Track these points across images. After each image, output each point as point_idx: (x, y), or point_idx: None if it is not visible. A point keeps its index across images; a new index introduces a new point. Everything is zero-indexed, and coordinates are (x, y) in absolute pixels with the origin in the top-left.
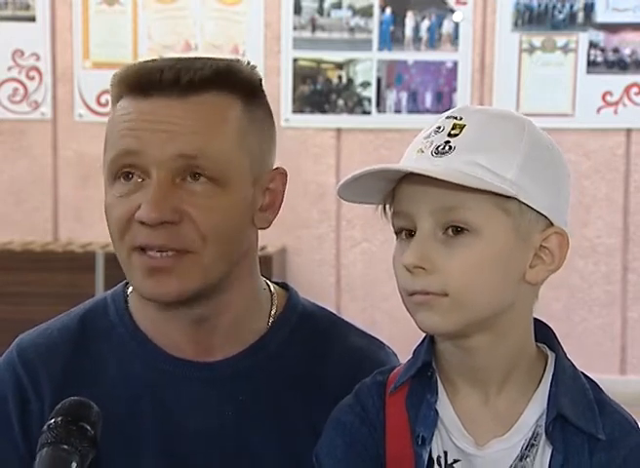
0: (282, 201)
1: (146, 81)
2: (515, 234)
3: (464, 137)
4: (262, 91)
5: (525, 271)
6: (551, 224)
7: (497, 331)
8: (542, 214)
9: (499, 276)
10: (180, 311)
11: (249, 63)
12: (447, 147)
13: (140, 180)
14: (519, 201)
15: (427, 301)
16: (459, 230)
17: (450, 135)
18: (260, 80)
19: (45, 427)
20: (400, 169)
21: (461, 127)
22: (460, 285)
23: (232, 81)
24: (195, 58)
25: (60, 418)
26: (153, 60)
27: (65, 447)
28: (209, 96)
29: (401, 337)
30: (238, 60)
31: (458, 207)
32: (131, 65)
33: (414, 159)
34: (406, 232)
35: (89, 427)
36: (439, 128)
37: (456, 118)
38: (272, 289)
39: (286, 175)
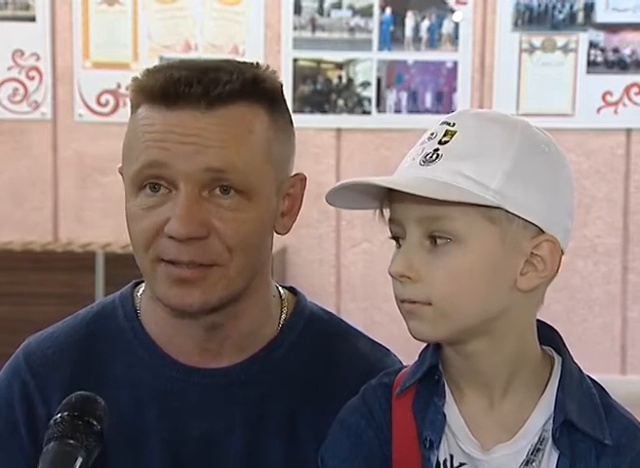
0: (300, 206)
1: (173, 93)
2: (502, 242)
3: (453, 145)
4: (284, 96)
5: (516, 278)
6: (542, 231)
7: (493, 337)
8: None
9: (485, 284)
10: (196, 319)
11: (268, 67)
12: (435, 155)
13: (166, 192)
14: (505, 209)
15: (414, 310)
16: (444, 239)
17: (440, 142)
18: (282, 85)
19: (51, 422)
20: (374, 183)
21: (452, 134)
22: (443, 294)
23: (258, 92)
24: (219, 65)
25: (66, 413)
26: (176, 68)
27: (71, 441)
28: (236, 107)
29: (401, 338)
30: (258, 65)
31: (442, 217)
32: (153, 72)
33: (405, 167)
34: (400, 239)
35: (95, 422)
36: (432, 134)
37: (449, 124)
38: (282, 294)
39: (306, 181)
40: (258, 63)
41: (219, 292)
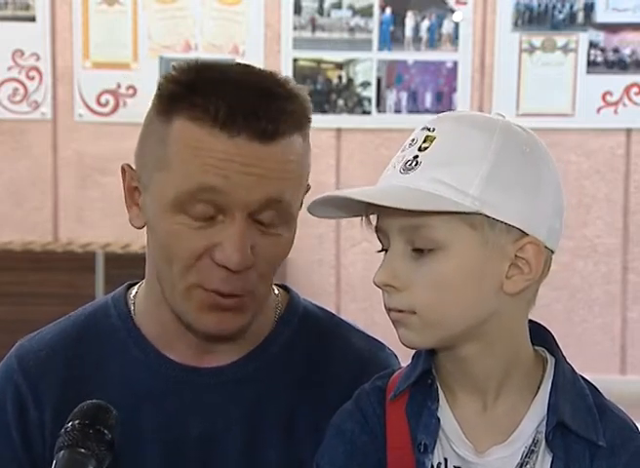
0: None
1: (238, 124)
2: (484, 247)
3: (432, 152)
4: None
5: (502, 282)
6: (525, 233)
7: (485, 341)
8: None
9: (470, 291)
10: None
11: (294, 82)
12: (414, 163)
13: (216, 216)
14: (485, 214)
15: (400, 319)
16: (427, 247)
17: (420, 148)
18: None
19: (62, 430)
20: (350, 197)
21: (432, 140)
22: (427, 303)
23: (303, 121)
24: (271, 89)
25: (77, 421)
26: (230, 89)
27: (82, 450)
28: (292, 138)
29: None
30: (301, 89)
31: (422, 225)
32: (218, 98)
33: (387, 175)
34: (385, 247)
35: (106, 431)
36: (413, 140)
37: (429, 129)
38: (276, 291)
39: (309, 189)
40: (302, 88)
41: (249, 316)
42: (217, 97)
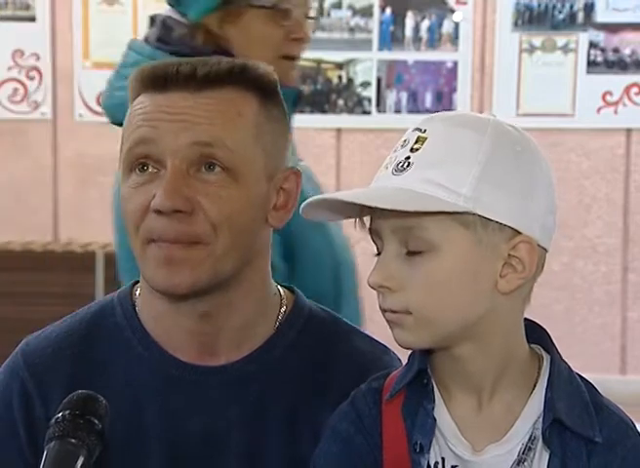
0: (296, 201)
1: (162, 75)
2: (477, 247)
3: (423, 152)
4: (278, 92)
5: (496, 281)
6: (518, 232)
7: (480, 340)
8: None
9: (464, 290)
10: (187, 305)
11: (265, 65)
12: (406, 164)
13: (155, 171)
14: (478, 214)
15: (395, 319)
16: (420, 248)
17: (412, 149)
18: (277, 81)
19: (52, 421)
20: (342, 199)
21: (423, 140)
22: (421, 303)
23: (249, 78)
24: (212, 57)
25: (67, 412)
26: (170, 60)
27: (73, 440)
28: (225, 91)
29: None
30: (255, 63)
31: (415, 226)
32: (148, 64)
33: (380, 177)
34: (380, 248)
35: (96, 421)
36: (405, 141)
37: (421, 130)
38: (281, 292)
39: (300, 176)
40: (255, 62)
41: (206, 272)
42: (151, 63)
